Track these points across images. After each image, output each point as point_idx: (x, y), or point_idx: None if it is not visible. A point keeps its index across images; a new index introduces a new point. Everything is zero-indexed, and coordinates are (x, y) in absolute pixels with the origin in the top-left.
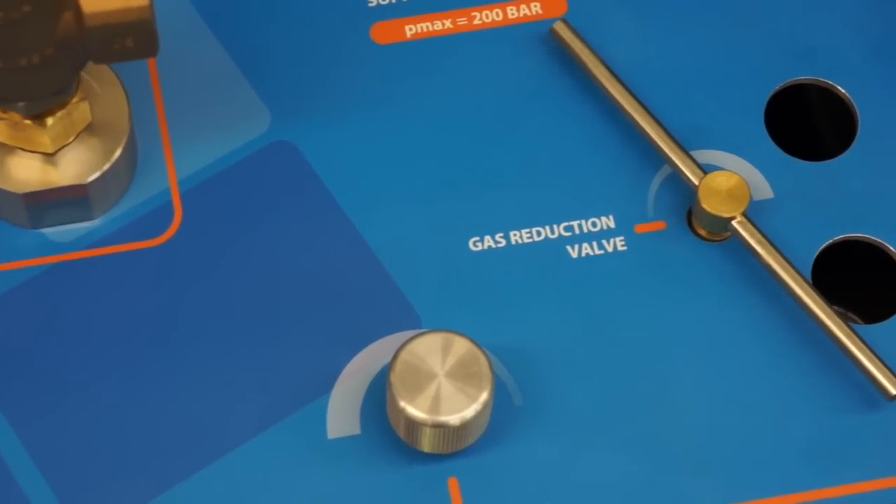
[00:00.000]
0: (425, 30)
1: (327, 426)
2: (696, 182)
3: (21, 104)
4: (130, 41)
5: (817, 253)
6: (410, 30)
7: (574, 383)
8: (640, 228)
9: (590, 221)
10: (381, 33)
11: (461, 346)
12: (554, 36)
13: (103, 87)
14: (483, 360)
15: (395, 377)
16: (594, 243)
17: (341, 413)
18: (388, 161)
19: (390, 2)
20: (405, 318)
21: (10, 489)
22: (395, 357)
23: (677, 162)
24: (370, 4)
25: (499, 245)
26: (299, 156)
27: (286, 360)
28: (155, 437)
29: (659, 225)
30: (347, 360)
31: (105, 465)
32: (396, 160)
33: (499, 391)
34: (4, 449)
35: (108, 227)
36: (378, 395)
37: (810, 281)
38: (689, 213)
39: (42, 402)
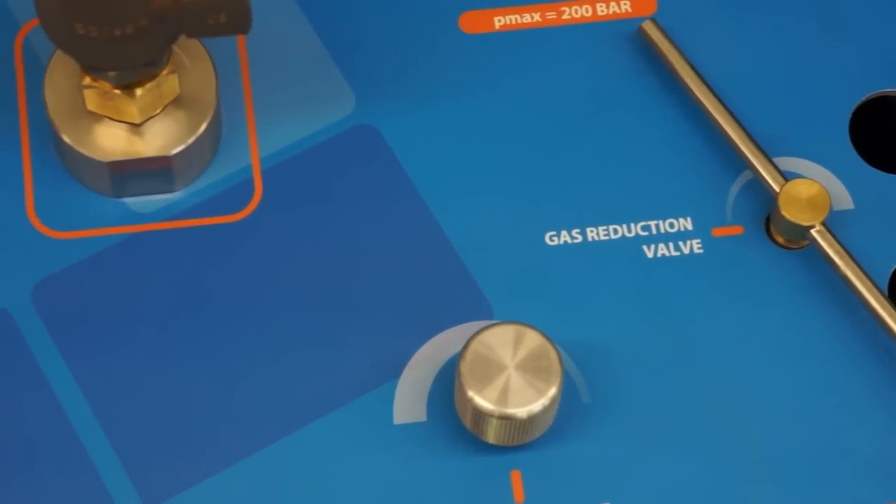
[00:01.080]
0: (514, 22)
1: (394, 411)
2: (776, 189)
3: (112, 74)
4: (224, 17)
5: (895, 267)
6: (499, 21)
7: (642, 383)
8: (718, 232)
9: (667, 222)
10: (470, 23)
11: (533, 339)
12: (642, 35)
13: (193, 62)
14: (554, 354)
15: (464, 366)
16: (670, 244)
17: (408, 399)
18: (470, 150)
19: None
20: (477, 308)
21: (77, 454)
22: (466, 346)
23: (759, 167)
24: None
25: (575, 241)
26: (381, 140)
27: (356, 343)
28: (222, 412)
29: (737, 230)
30: (417, 347)
31: (172, 436)
32: (477, 150)
33: (567, 387)
34: (73, 413)
35: (188, 200)
36: (446, 384)
37: (887, 294)
38: (768, 220)
39: (113, 368)
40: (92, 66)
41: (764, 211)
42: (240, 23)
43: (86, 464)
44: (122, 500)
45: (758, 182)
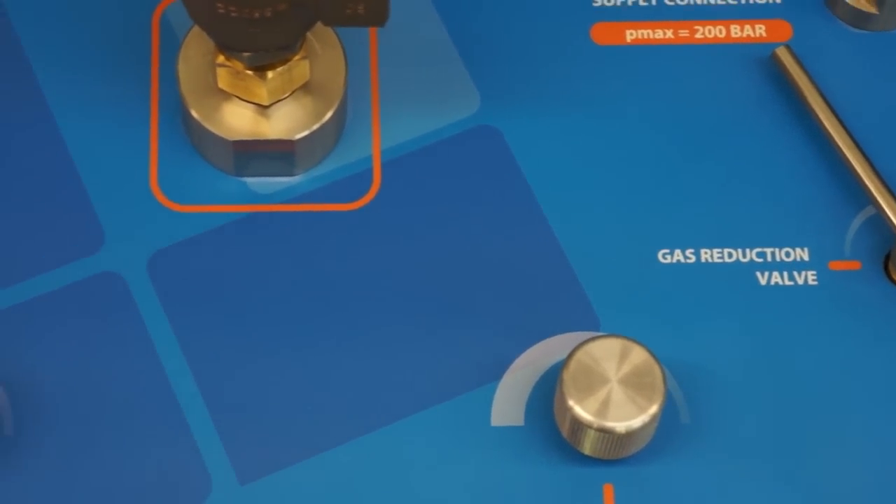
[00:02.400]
0: (645, 37)
1: (492, 413)
2: None
3: (246, 54)
4: (362, 8)
5: None
6: (631, 34)
7: (744, 409)
8: (835, 266)
9: (783, 251)
10: (602, 34)
11: (638, 355)
12: (775, 61)
13: (324, 49)
14: (658, 372)
15: (567, 375)
16: (785, 273)
17: (507, 402)
18: (590, 160)
19: (615, 4)
20: (583, 318)
21: (177, 424)
22: (570, 355)
23: (882, 204)
24: (594, 4)
25: (688, 261)
26: (503, 143)
27: (460, 341)
28: (323, 397)
29: (854, 265)
30: (521, 352)
31: (271, 415)
32: (598, 160)
33: (667, 406)
34: (177, 384)
35: (307, 185)
36: (546, 390)
37: None
38: (888, 258)
39: (220, 343)
40: (227, 46)
41: (884, 248)
42: (377, 15)
43: (185, 434)
44: (217, 474)
45: (880, 218)
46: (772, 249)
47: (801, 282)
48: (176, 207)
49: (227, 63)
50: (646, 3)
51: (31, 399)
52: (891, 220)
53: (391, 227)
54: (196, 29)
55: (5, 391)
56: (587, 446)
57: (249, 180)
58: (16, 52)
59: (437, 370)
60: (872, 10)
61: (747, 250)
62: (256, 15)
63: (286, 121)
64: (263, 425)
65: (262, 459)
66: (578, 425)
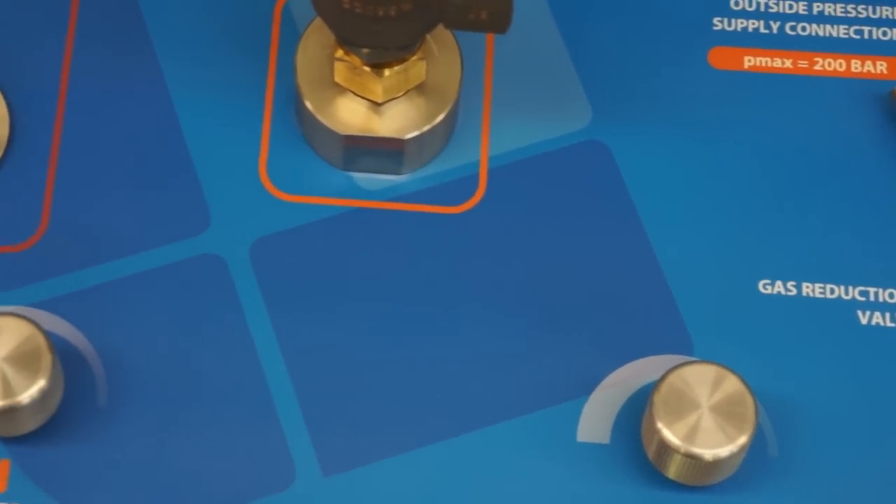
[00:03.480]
0: (764, 64)
1: (578, 428)
2: None
3: (365, 51)
4: (485, 14)
5: None
6: (749, 61)
7: (834, 448)
8: None
9: (887, 292)
10: (719, 58)
11: (732, 383)
12: (893, 99)
13: (442, 52)
14: (750, 402)
15: (658, 397)
16: (887, 314)
17: (595, 419)
18: (697, 183)
19: (735, 29)
20: (678, 341)
21: (266, 410)
22: (663, 378)
23: None
24: (714, 28)
25: (788, 293)
26: (611, 159)
27: (552, 354)
28: (412, 397)
29: None
30: (612, 370)
31: (359, 410)
32: (705, 184)
33: (756, 437)
34: (269, 370)
35: (413, 184)
36: (634, 410)
37: None
38: None
39: (314, 333)
40: (347, 41)
41: None
42: (499, 22)
43: (273, 421)
44: (301, 462)
45: None
46: (875, 289)
47: None
48: (282, 196)
49: (346, 58)
50: (766, 31)
51: (126, 372)
52: None
53: (493, 233)
54: (317, 22)
55: (101, 362)
56: (672, 470)
57: (356, 175)
58: (141, 33)
59: (527, 380)
60: None
61: (850, 288)
62: (380, 13)
63: (398, 119)
64: (351, 419)
65: (348, 453)
66: (665, 448)
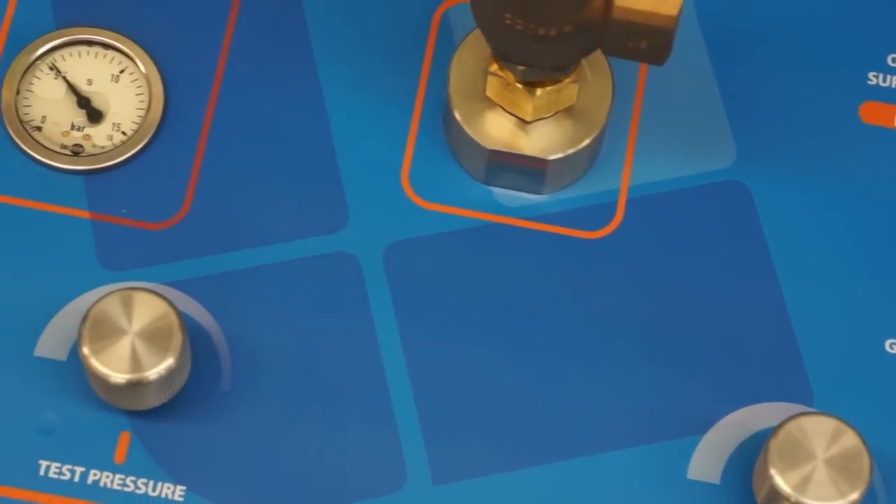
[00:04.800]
0: None
1: (690, 466)
2: None
3: (520, 68)
4: (645, 44)
5: None
6: None
7: None
8: None
9: None
10: (871, 113)
11: (850, 439)
12: None
13: (595, 77)
14: (866, 460)
15: (774, 444)
16: None
17: (707, 458)
18: (835, 235)
19: (889, 85)
20: (799, 390)
21: (383, 411)
22: (781, 425)
23: None
24: (869, 82)
25: None
26: (750, 202)
27: (671, 388)
28: (526, 416)
29: None
30: (729, 411)
31: (474, 423)
32: (843, 237)
33: (867, 495)
34: (391, 372)
35: (551, 205)
36: (747, 454)
37: None
38: None
39: (438, 341)
40: (505, 56)
41: None
42: (658, 54)
43: (390, 424)
44: (413, 468)
45: None
46: None
47: None
48: (421, 203)
49: (500, 73)
50: None
51: (251, 360)
52: None
53: (624, 262)
54: (474, 34)
55: (229, 347)
56: None
57: (496, 191)
58: (300, 28)
59: (643, 412)
60: None
61: None
62: (541, 32)
63: (544, 139)
64: (466, 431)
65: (459, 464)
66: (776, 495)
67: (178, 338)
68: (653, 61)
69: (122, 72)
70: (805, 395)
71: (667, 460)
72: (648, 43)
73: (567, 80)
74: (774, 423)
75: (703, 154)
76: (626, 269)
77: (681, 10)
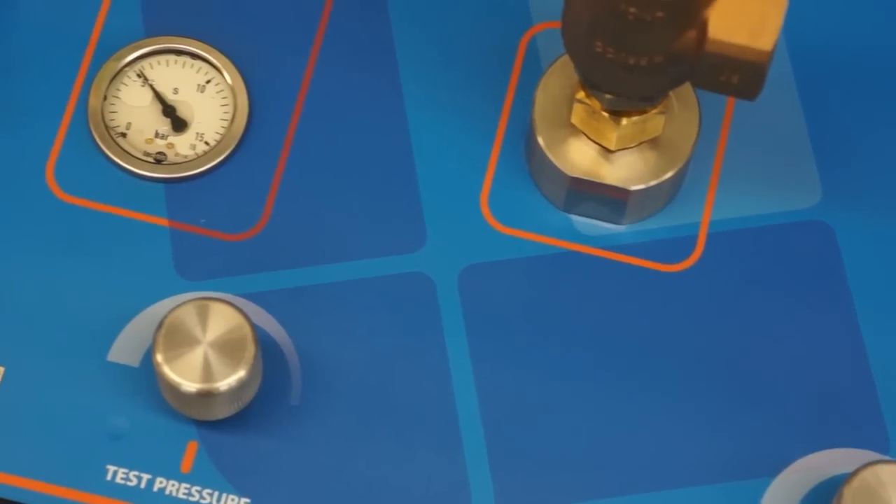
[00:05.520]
0: None
1: None
2: None
3: (607, 96)
4: (737, 78)
5: None
6: None
7: None
8: None
9: None
10: None
11: None
12: None
13: (681, 109)
14: None
15: (849, 491)
16: None
17: (777, 501)
18: None
19: None
20: (875, 437)
21: (451, 433)
22: (856, 472)
23: None
24: None
25: None
26: (834, 243)
27: (744, 428)
28: (595, 448)
29: None
30: (803, 454)
31: (541, 453)
32: None
33: None
34: (460, 395)
35: (630, 236)
36: (819, 500)
37: None
38: None
39: (509, 367)
40: (592, 84)
41: None
42: (749, 88)
43: (457, 449)
44: (478, 494)
45: None
46: None
47: None
48: (499, 227)
49: (586, 100)
50: None
51: (322, 375)
52: None
53: (703, 297)
54: (562, 60)
55: (300, 362)
56: None
57: (575, 218)
58: (387, 46)
59: (715, 450)
60: None
61: None
62: (631, 61)
63: (626, 170)
64: (533, 460)
65: (524, 493)
66: None
67: (250, 350)
68: (743, 96)
69: (208, 82)
70: (881, 443)
71: (737, 501)
72: (740, 77)
73: (654, 110)
74: (849, 469)
75: (788, 192)
76: (703, 304)
77: (775, 46)
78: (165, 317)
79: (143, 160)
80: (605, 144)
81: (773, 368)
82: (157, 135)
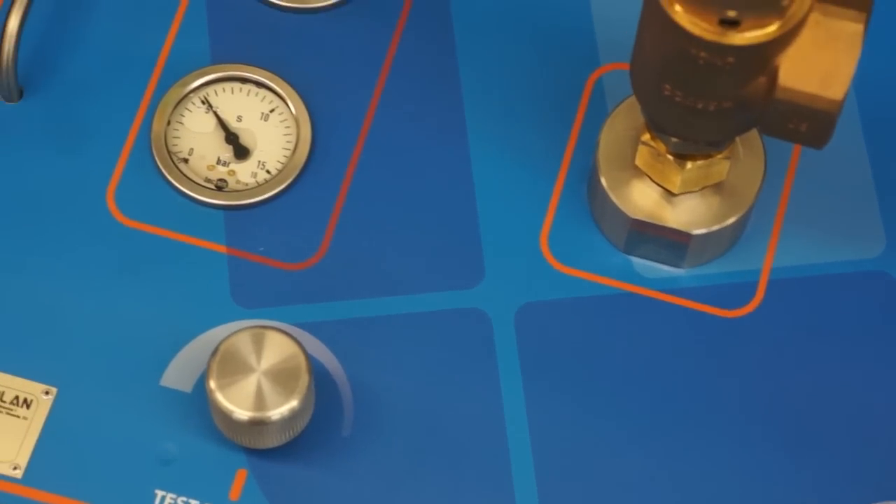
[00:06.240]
0: None
1: None
2: None
3: (674, 140)
4: (805, 126)
5: None
6: None
7: None
8: None
9: None
10: None
11: None
12: None
13: (747, 155)
14: None
15: None
16: None
17: None
18: None
19: None
20: None
21: (501, 469)
22: None
23: None
24: None
25: None
26: (894, 294)
27: (799, 479)
28: (645, 492)
29: None
30: None
31: (592, 492)
32: None
33: None
34: (512, 431)
35: (689, 280)
36: None
37: None
38: None
39: (561, 406)
40: (659, 127)
41: None
42: (818, 137)
43: (506, 485)
44: None
45: None
46: None
47: None
48: (557, 266)
49: (651, 143)
50: None
51: (374, 408)
52: None
53: (761, 345)
54: (628, 101)
55: (352, 394)
56: None
57: (635, 260)
58: (453, 81)
59: (768, 499)
60: None
61: None
62: (700, 106)
63: (689, 213)
64: (582, 500)
65: None
66: None
67: (304, 380)
68: (811, 144)
69: (272, 111)
70: None
71: None
72: (809, 125)
73: (719, 155)
74: None
75: (852, 241)
76: (762, 351)
77: (846, 95)
78: (221, 343)
79: (203, 186)
80: (668, 187)
81: (829, 418)
82: (218, 161)
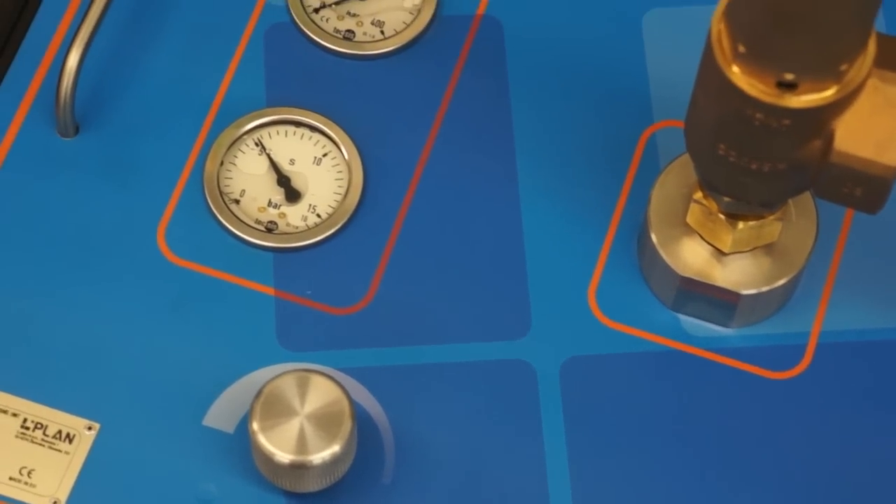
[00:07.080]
0: None
1: None
2: None
3: (726, 199)
4: (860, 191)
5: None
6: None
7: None
8: None
9: None
10: None
11: None
12: None
13: (799, 217)
14: None
15: None
16: None
17: None
18: None
19: None
20: None
21: None
22: None
23: None
24: None
25: None
26: None
27: None
28: None
29: None
30: None
31: None
32: None
33: None
34: (554, 487)
35: (737, 340)
36: None
37: None
38: None
39: (605, 464)
40: (712, 186)
41: None
42: (872, 203)
43: None
44: None
45: None
46: None
47: None
48: (605, 321)
49: (703, 201)
50: None
51: (416, 456)
52: None
53: (809, 408)
54: (681, 159)
55: (395, 442)
56: None
57: (683, 318)
58: (506, 132)
59: None
60: None
61: None
62: (754, 166)
63: (739, 273)
64: None
65: None
66: None
67: (347, 426)
68: (865, 209)
69: (324, 155)
70: None
71: None
72: (863, 190)
73: (771, 216)
74: None
75: None
76: (809, 414)
77: None
78: (265, 385)
79: (254, 228)
80: (719, 246)
81: (874, 486)
82: (270, 204)
